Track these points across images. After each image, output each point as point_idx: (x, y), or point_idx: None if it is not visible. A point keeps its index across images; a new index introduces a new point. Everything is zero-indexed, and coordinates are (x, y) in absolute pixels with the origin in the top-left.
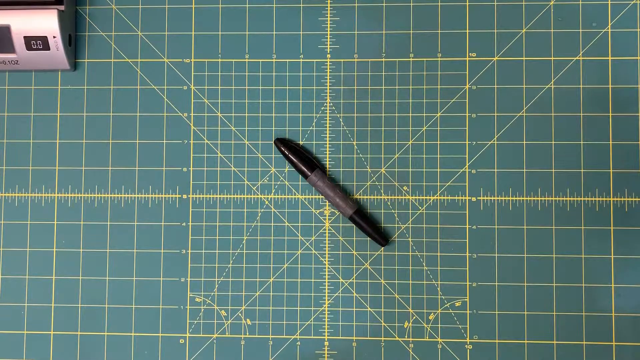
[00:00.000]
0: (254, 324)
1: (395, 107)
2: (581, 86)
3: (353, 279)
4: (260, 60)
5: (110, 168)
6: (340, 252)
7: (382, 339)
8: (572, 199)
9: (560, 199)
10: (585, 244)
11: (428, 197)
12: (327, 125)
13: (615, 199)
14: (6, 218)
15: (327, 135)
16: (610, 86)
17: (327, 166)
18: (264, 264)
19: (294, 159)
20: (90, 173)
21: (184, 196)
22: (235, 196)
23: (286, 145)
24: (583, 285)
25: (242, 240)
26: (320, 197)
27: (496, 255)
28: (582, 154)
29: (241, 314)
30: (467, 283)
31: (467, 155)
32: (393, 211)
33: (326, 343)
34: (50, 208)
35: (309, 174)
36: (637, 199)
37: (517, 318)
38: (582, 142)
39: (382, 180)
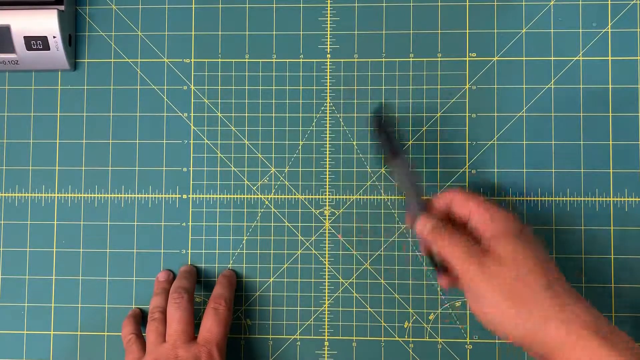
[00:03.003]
0: (254, 324)
1: (395, 107)
2: (581, 86)
3: (353, 279)
4: (260, 60)
5: (110, 168)
6: (340, 252)
7: (382, 339)
8: (572, 199)
9: (560, 199)
10: (585, 244)
11: (428, 197)
12: (327, 125)
13: (615, 199)
14: (6, 218)
15: (327, 135)
16: (610, 86)
17: (327, 166)
18: (264, 264)
19: (388, 138)
20: (90, 173)
21: (184, 196)
22: (235, 196)
23: (380, 124)
24: (583, 285)
25: (242, 240)
26: (321, 197)
27: None
28: (582, 154)
29: (241, 314)
30: None
31: (467, 155)
32: (393, 211)
33: (326, 343)
34: (50, 208)
35: (397, 156)
36: (637, 199)
37: None
38: (582, 142)
39: (382, 180)
